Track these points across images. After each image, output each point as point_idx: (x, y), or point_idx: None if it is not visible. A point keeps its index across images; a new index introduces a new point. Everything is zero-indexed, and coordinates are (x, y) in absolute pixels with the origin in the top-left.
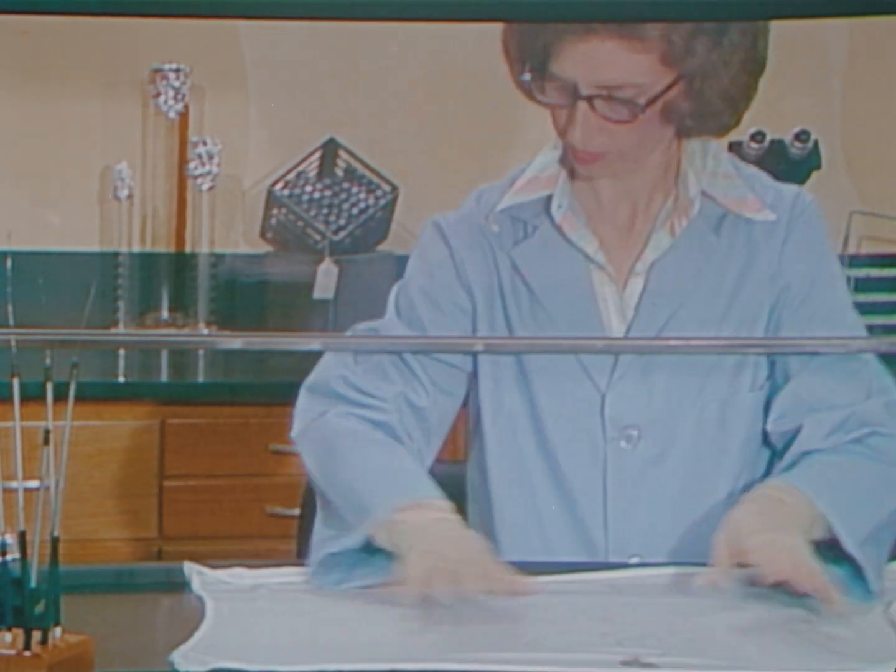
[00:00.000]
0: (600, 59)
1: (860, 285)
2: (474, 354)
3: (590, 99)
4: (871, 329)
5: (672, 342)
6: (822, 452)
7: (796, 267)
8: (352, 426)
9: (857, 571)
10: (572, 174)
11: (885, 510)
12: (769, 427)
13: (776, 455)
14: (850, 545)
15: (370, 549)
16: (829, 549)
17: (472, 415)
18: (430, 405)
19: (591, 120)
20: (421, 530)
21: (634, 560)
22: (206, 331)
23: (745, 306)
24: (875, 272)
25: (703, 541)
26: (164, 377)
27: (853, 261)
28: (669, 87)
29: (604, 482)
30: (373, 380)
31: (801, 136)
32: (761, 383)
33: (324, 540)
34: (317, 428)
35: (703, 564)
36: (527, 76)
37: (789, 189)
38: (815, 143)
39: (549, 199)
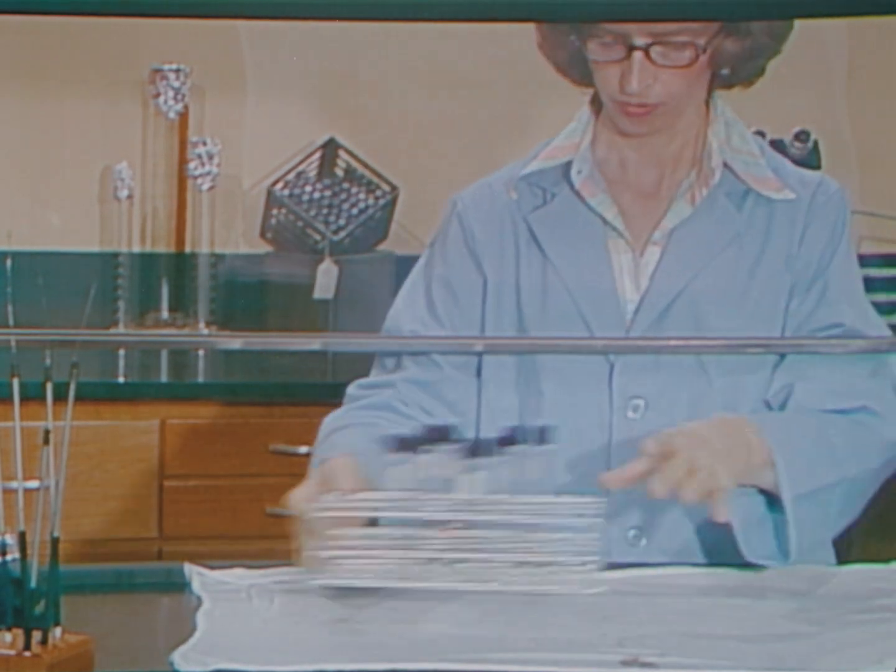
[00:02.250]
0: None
1: None
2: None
3: (646, 48)
4: None
5: (672, 342)
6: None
7: (814, 250)
8: (331, 424)
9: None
10: (595, 141)
11: (837, 476)
12: (769, 397)
13: None
14: (784, 491)
15: None
16: (768, 501)
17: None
18: (442, 379)
19: (648, 70)
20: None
21: (632, 533)
22: (206, 331)
23: (764, 285)
24: (875, 272)
25: (703, 515)
26: (164, 377)
27: None
28: (721, 28)
29: (608, 452)
30: (379, 371)
31: (801, 136)
32: (771, 374)
33: None
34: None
35: (703, 565)
36: (574, 38)
37: (814, 174)
38: (815, 143)
39: (569, 165)
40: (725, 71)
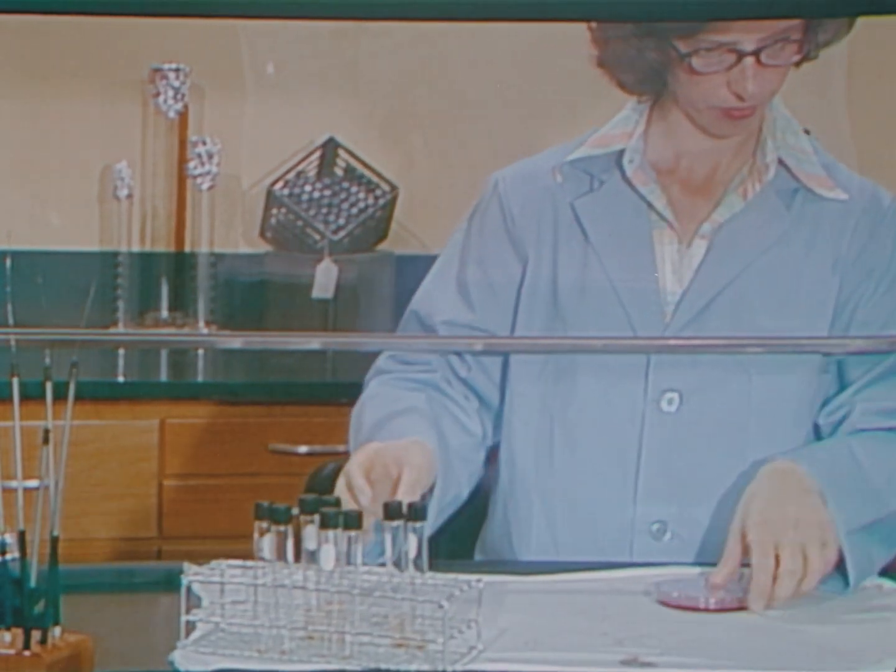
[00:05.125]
0: None
1: None
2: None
3: (756, 53)
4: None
5: (673, 342)
6: (851, 434)
7: (864, 255)
8: (377, 390)
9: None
10: (648, 131)
11: (885, 510)
12: (820, 420)
13: None
14: (839, 530)
15: None
16: None
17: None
18: (472, 377)
19: (760, 72)
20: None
21: (656, 527)
22: (205, 330)
23: (810, 285)
24: None
25: (726, 510)
26: (163, 377)
27: None
28: (810, 21)
29: (639, 444)
30: (413, 354)
31: None
32: (815, 377)
33: None
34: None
35: (705, 564)
36: (684, 51)
37: (868, 181)
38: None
39: (619, 153)
40: (816, 45)
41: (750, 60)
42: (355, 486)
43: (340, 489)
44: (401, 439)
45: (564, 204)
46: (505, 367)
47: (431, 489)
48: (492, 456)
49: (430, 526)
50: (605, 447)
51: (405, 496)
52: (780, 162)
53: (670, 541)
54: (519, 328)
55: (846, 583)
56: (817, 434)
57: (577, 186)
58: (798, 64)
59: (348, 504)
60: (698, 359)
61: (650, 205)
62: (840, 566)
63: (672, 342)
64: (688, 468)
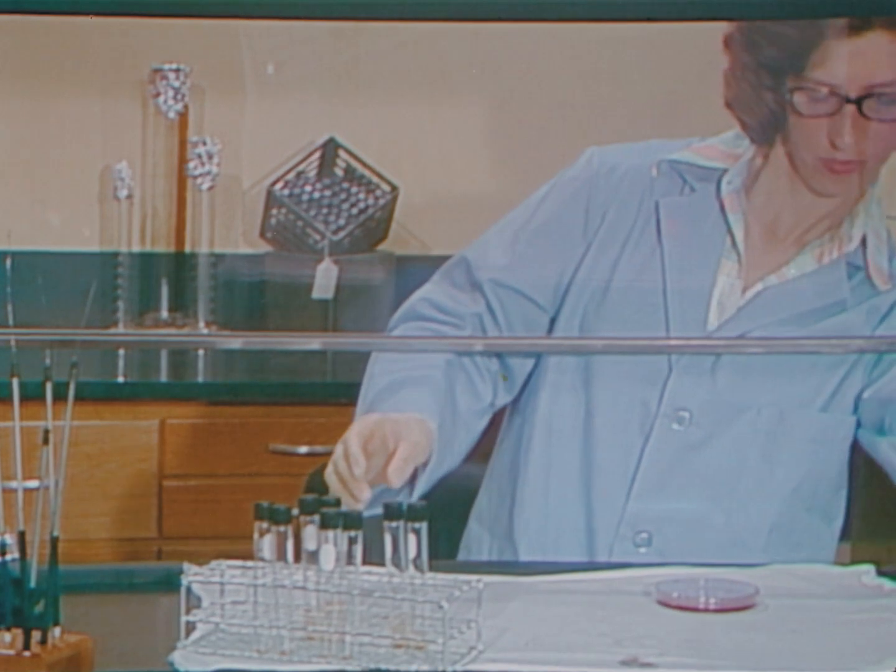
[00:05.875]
0: (873, 55)
1: None
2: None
3: (859, 101)
4: None
5: (673, 342)
6: None
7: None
8: (406, 359)
9: None
10: (757, 165)
11: None
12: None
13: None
14: None
15: None
16: None
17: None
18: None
19: (860, 124)
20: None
21: (642, 536)
22: (205, 331)
23: (833, 370)
24: None
25: (711, 532)
26: (163, 377)
27: None
28: None
29: (640, 456)
30: (451, 300)
31: None
32: (841, 407)
33: None
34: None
35: (703, 565)
36: (787, 93)
37: None
38: None
39: (722, 172)
40: None
41: (851, 108)
42: (351, 455)
43: (338, 456)
44: (405, 412)
45: (650, 200)
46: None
47: (425, 464)
48: (496, 418)
49: (416, 494)
50: (609, 450)
51: (396, 470)
52: (862, 240)
53: (648, 551)
54: (565, 308)
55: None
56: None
57: (669, 186)
58: None
59: (343, 472)
60: (716, 383)
61: (730, 231)
62: None
63: (673, 343)
64: (682, 486)
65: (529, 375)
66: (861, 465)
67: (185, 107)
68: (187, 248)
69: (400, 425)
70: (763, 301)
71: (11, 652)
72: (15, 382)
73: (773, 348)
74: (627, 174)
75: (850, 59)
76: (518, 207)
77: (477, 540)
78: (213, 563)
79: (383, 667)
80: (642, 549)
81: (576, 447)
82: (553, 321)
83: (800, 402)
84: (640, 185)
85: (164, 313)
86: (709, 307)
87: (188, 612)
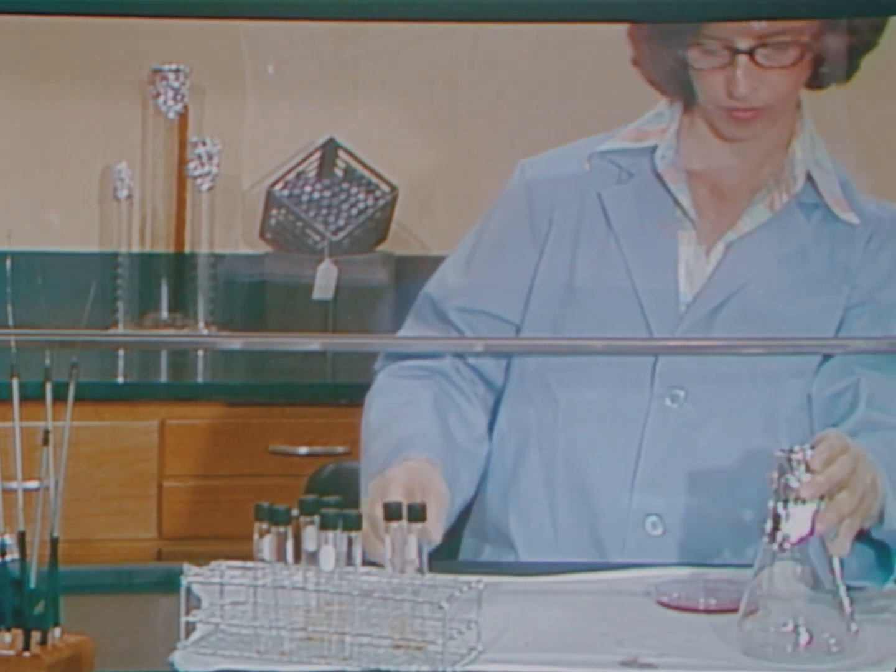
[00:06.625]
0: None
1: None
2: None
3: (751, 51)
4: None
5: (673, 343)
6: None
7: (870, 271)
8: (386, 383)
9: (884, 552)
10: (681, 132)
11: None
12: (830, 399)
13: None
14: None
15: None
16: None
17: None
18: (481, 362)
19: (754, 73)
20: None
21: (651, 520)
22: (205, 331)
23: (819, 301)
24: None
25: (723, 510)
26: (163, 377)
27: None
28: (824, 25)
29: (641, 438)
30: (419, 325)
31: None
32: (813, 370)
33: None
34: (372, 386)
35: (705, 565)
36: (674, 50)
37: (878, 202)
38: None
39: (652, 149)
40: (824, 69)
41: (744, 59)
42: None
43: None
44: (415, 457)
45: (591, 194)
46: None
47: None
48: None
49: (438, 536)
50: (607, 438)
51: (436, 529)
52: (808, 177)
53: (663, 536)
54: (530, 315)
55: (890, 573)
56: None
57: (606, 177)
58: (825, 86)
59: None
60: (706, 358)
61: (677, 203)
62: (882, 557)
63: (673, 343)
64: (687, 465)
65: (504, 385)
66: None
67: (185, 107)
68: (187, 249)
69: (423, 476)
70: (730, 260)
71: (11, 652)
72: (15, 383)
73: (772, 349)
74: (562, 176)
75: None
76: (467, 235)
77: (474, 552)
78: (213, 564)
79: (383, 667)
80: (656, 533)
81: (568, 447)
82: (518, 329)
83: (794, 370)
84: (577, 183)
85: (164, 314)
86: (678, 281)
87: (188, 612)
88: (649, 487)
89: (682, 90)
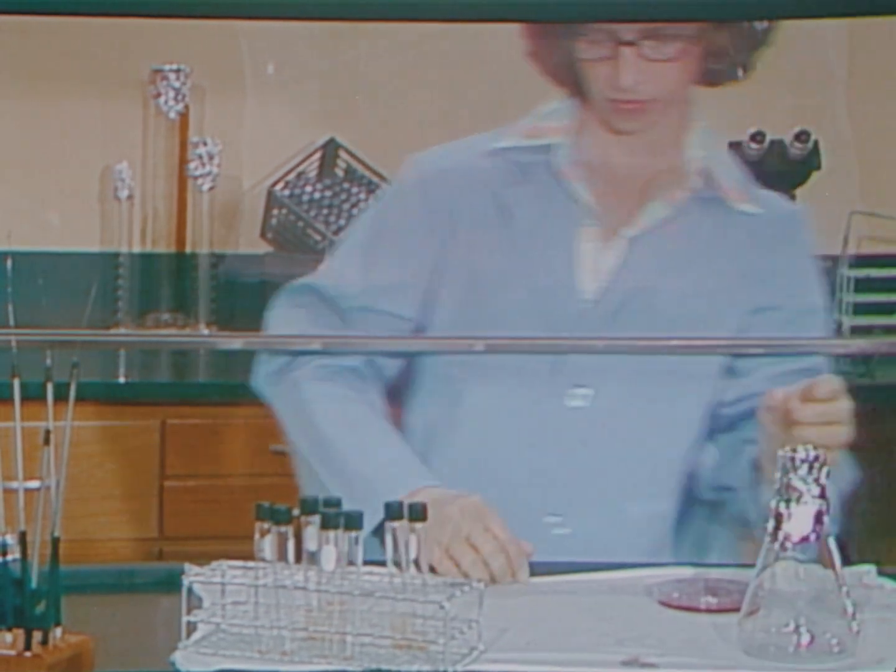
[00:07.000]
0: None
1: (860, 285)
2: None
3: (636, 43)
4: (870, 329)
5: (675, 342)
6: None
7: (779, 275)
8: (326, 390)
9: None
10: (579, 128)
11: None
12: (723, 411)
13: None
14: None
15: None
16: None
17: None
18: (384, 361)
19: (639, 64)
20: (437, 504)
21: (553, 519)
22: (206, 331)
23: (721, 295)
24: (875, 272)
25: (626, 509)
26: (164, 377)
27: (853, 261)
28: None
29: (545, 437)
30: (316, 322)
31: (801, 136)
32: (716, 380)
33: None
34: (288, 387)
35: (704, 565)
36: (564, 41)
37: (777, 195)
38: (815, 143)
39: (550, 147)
40: (715, 66)
41: (628, 50)
42: (510, 540)
43: (490, 552)
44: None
45: (491, 191)
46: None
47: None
48: None
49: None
50: (510, 437)
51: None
52: (704, 170)
53: (566, 534)
54: (437, 315)
55: None
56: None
57: (506, 175)
58: (719, 83)
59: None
60: (611, 357)
61: (578, 200)
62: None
63: (673, 342)
64: (591, 464)
65: (410, 382)
66: (861, 464)
67: (186, 107)
68: (187, 249)
69: (464, 499)
70: (633, 256)
71: (12, 652)
72: (16, 383)
73: (772, 349)
74: (460, 172)
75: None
76: (355, 230)
77: None
78: (215, 564)
79: (384, 667)
80: (559, 531)
81: (473, 446)
82: (422, 328)
83: (697, 372)
84: (476, 180)
85: (165, 314)
86: (578, 279)
87: (189, 612)
88: (553, 486)
89: (575, 83)
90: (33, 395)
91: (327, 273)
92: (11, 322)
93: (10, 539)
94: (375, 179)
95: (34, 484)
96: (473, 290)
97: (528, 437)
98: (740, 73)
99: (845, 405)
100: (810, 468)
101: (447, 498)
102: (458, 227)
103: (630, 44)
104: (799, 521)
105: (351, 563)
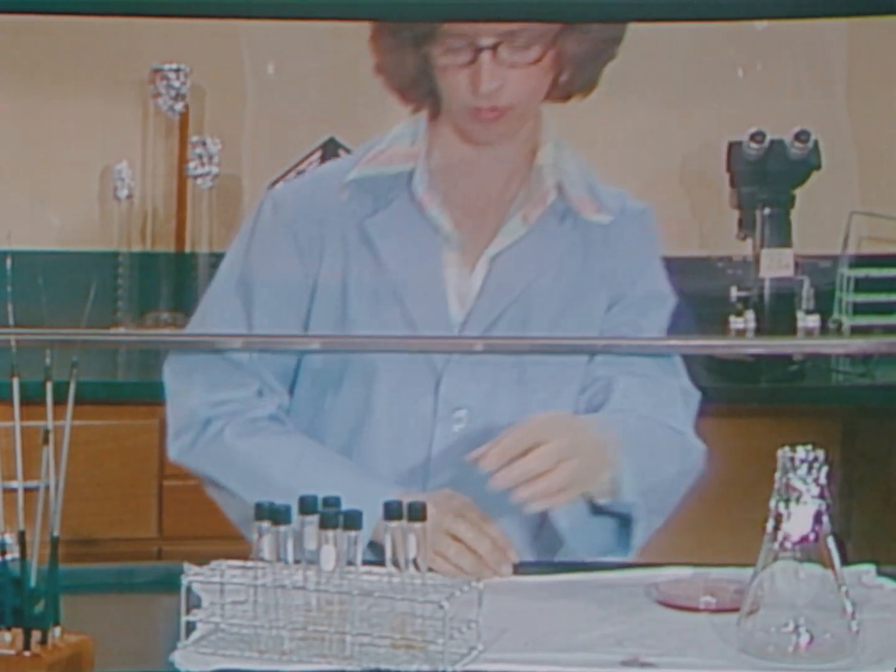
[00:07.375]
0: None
1: (860, 285)
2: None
3: (494, 48)
4: (870, 329)
5: (673, 342)
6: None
7: (624, 268)
8: (261, 440)
9: (624, 524)
10: (430, 150)
11: (664, 472)
12: (586, 391)
13: None
14: (630, 489)
15: None
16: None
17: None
18: (286, 397)
19: (497, 70)
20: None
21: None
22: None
23: (583, 304)
24: (875, 272)
25: (516, 525)
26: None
27: (853, 261)
28: (562, 29)
29: (427, 460)
30: (233, 389)
31: (801, 136)
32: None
33: None
34: (217, 449)
35: (705, 565)
36: (418, 50)
37: (621, 195)
38: (815, 143)
39: (409, 174)
40: (564, 77)
41: (487, 56)
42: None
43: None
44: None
45: (352, 223)
46: (296, 374)
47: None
48: None
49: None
50: (396, 460)
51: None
52: (558, 186)
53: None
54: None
55: (628, 544)
56: None
57: (365, 205)
58: (568, 96)
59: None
60: (484, 375)
61: (436, 226)
62: (621, 530)
63: (673, 342)
64: (473, 483)
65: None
66: (861, 466)
67: (186, 107)
68: (187, 249)
69: (435, 494)
70: (494, 276)
71: (11, 652)
72: (15, 382)
73: (772, 349)
74: (319, 206)
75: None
76: (221, 277)
77: None
78: (214, 564)
79: (383, 667)
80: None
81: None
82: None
83: (564, 373)
84: (336, 211)
85: (165, 313)
86: (448, 304)
87: (188, 612)
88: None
89: (426, 96)
90: (33, 395)
91: (201, 320)
92: (11, 322)
93: (10, 538)
94: None
95: (33, 483)
96: (345, 321)
97: (415, 460)
98: (586, 85)
99: (534, 464)
100: (809, 468)
101: (418, 496)
102: (328, 267)
103: (489, 48)
104: (798, 521)
105: (350, 562)
